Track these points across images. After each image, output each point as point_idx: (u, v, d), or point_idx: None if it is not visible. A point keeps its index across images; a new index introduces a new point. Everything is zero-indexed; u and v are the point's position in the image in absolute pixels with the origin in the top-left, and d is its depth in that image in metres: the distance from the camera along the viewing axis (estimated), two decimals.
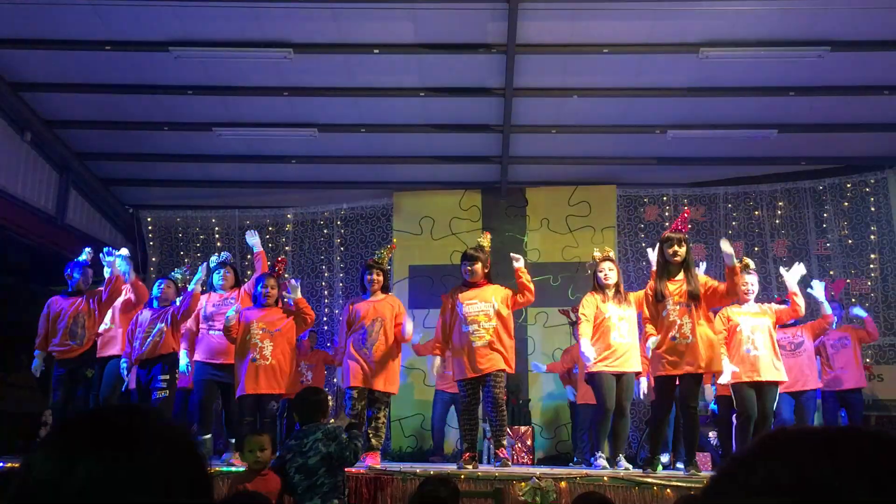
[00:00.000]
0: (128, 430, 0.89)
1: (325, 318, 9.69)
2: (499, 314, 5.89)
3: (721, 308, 6.01)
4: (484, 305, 5.90)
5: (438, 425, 8.06)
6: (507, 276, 6.34)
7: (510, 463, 5.78)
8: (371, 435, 6.07)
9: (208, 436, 6.37)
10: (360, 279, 6.52)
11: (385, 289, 6.46)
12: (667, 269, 5.70)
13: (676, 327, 5.52)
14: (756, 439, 0.77)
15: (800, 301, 5.98)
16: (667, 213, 9.38)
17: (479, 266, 6.02)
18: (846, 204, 9.15)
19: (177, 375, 6.29)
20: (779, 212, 9.34)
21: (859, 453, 0.70)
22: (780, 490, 0.68)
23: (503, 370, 5.82)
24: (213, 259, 6.97)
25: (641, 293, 6.02)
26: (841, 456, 0.70)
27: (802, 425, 0.82)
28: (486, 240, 6.26)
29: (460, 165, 9.33)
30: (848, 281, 8.91)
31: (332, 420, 5.07)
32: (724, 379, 5.85)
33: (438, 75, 7.64)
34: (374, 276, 6.34)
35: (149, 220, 10.25)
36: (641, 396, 6.64)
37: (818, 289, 6.80)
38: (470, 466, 5.60)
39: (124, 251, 7.11)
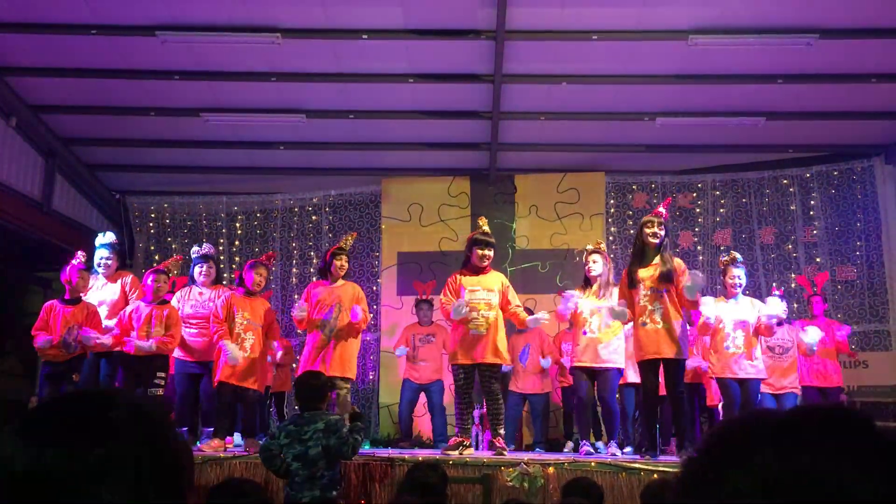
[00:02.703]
0: (97, 415, 0.88)
1: None
2: (498, 306, 5.88)
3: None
4: (486, 294, 5.87)
5: (406, 413, 8.09)
6: (495, 263, 6.32)
7: (506, 452, 5.77)
8: None
9: (186, 428, 6.34)
10: (325, 265, 6.44)
11: (346, 275, 6.47)
12: (643, 252, 5.74)
13: (647, 313, 5.59)
14: (715, 431, 0.77)
15: (779, 334, 6.53)
16: (655, 201, 9.39)
17: (493, 253, 6.01)
18: (833, 191, 9.19)
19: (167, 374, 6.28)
20: (766, 199, 9.37)
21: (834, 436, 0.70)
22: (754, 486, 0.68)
23: (499, 363, 5.82)
24: (194, 251, 6.90)
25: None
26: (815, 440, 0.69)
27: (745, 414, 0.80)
28: (487, 224, 6.21)
29: (449, 152, 9.32)
30: (835, 268, 8.99)
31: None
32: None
33: (427, 61, 7.61)
34: (343, 263, 6.35)
35: (135, 205, 10.19)
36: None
37: (812, 334, 6.92)
38: (455, 452, 5.60)
39: (110, 236, 7.04)
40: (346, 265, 6.38)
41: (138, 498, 0.85)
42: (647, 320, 5.58)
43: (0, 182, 8.11)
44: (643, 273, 5.68)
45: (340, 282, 6.34)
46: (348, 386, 6.26)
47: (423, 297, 8.43)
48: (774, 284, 7.95)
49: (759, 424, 0.74)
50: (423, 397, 8.06)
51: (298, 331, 6.41)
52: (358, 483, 5.13)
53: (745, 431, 0.74)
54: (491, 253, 5.98)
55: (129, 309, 6.25)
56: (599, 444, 6.23)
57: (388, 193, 9.70)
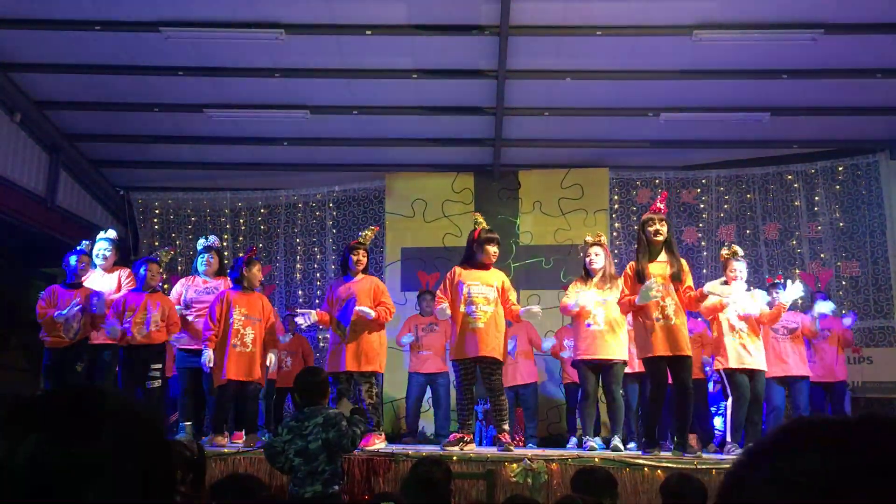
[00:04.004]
0: (80, 411, 0.88)
1: (316, 302, 9.68)
2: (496, 301, 5.86)
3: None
4: (486, 289, 5.84)
5: (413, 407, 8.09)
6: (499, 259, 6.31)
7: (513, 447, 5.71)
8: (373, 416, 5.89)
9: (190, 423, 6.36)
10: (342, 260, 6.36)
11: (365, 269, 6.40)
12: (649, 249, 5.72)
13: (660, 308, 5.53)
14: (776, 431, 0.76)
15: (783, 315, 6.44)
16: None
17: (498, 249, 6.01)
18: (838, 187, 9.17)
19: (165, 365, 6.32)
20: (770, 195, 9.35)
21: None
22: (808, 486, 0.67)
23: (498, 357, 5.80)
24: (200, 242, 6.94)
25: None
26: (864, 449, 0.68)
27: (821, 415, 0.79)
28: (482, 219, 6.21)
29: (453, 148, 9.31)
30: (838, 264, 8.97)
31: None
32: None
33: (431, 57, 7.60)
34: (360, 257, 6.21)
35: (139, 201, 10.21)
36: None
37: (822, 307, 7.03)
38: (456, 448, 5.58)
39: (112, 232, 7.07)
40: (364, 259, 6.26)
41: (125, 497, 0.84)
42: (661, 315, 5.53)
43: (4, 178, 8.13)
44: (654, 269, 5.63)
45: (359, 276, 6.27)
46: (372, 381, 6.03)
47: (426, 288, 8.47)
48: (769, 276, 7.91)
49: (793, 430, 0.73)
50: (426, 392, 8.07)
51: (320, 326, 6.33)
52: (361, 478, 5.14)
53: (776, 436, 0.74)
54: (498, 248, 6.00)
55: (120, 297, 6.31)
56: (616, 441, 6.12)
57: (391, 189, 9.70)
